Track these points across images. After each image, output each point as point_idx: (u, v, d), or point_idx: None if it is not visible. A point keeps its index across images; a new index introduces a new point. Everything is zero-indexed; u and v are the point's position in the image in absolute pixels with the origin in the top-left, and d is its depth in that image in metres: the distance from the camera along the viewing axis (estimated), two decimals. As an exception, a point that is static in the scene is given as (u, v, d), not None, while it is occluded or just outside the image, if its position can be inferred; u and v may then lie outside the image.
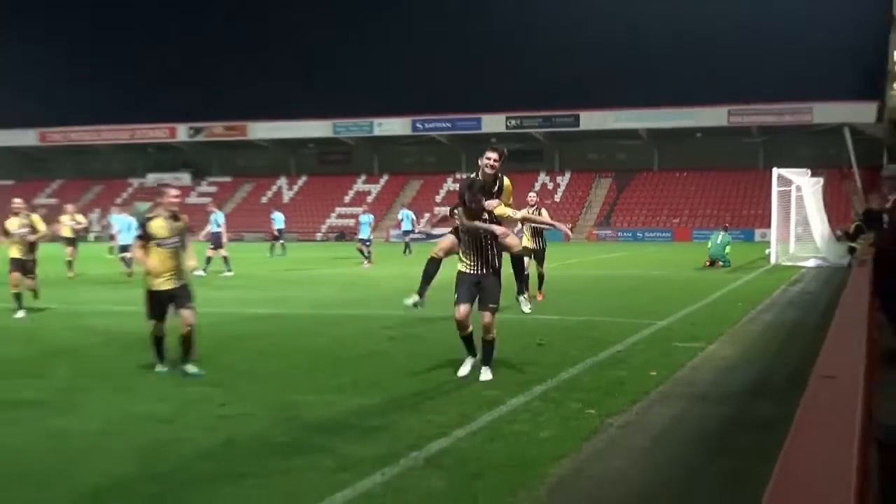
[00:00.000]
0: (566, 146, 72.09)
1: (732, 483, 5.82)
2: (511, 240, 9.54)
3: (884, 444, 2.49)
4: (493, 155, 9.72)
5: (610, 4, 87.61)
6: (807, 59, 77.61)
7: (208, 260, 25.68)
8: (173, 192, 9.96)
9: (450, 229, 9.80)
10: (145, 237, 9.59)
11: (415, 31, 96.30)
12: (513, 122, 70.34)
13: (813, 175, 35.31)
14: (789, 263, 29.69)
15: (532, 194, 18.32)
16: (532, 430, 7.08)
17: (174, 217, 9.76)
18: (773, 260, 30.52)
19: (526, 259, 15.98)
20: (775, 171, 32.11)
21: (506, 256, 9.67)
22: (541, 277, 17.41)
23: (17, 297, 15.02)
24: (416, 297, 9.82)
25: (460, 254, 9.30)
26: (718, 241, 29.14)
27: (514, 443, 6.69)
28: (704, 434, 7.17)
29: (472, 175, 9.87)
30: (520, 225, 16.83)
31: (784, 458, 1.64)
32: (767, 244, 34.36)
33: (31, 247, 15.40)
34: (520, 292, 10.70)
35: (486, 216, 9.09)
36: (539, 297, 16.81)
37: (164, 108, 76.60)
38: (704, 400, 8.36)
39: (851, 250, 16.35)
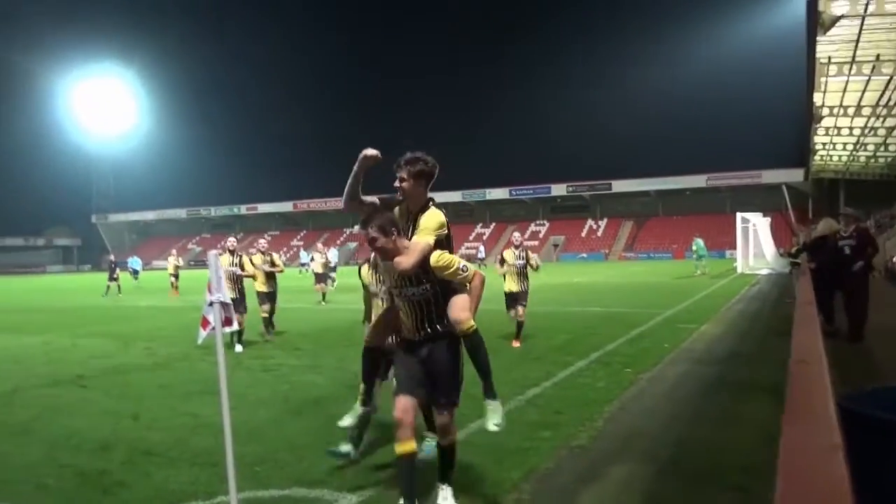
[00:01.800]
0: (604, 201, 70.13)
1: (723, 416, 5.43)
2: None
3: (840, 405, 2.23)
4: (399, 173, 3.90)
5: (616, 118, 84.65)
6: (760, 141, 73.48)
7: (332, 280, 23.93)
8: None
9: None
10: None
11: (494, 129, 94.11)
12: (571, 188, 69.12)
13: (764, 216, 33.61)
14: (749, 272, 28.20)
15: (516, 234, 10.23)
16: (591, 381, 6.79)
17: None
18: (739, 270, 29.15)
19: (515, 309, 9.52)
20: (738, 215, 31.06)
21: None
22: (520, 325, 9.44)
23: (265, 321, 11.11)
24: (360, 411, 4.37)
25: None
26: (702, 244, 28.84)
27: (580, 390, 6.41)
28: (702, 385, 6.73)
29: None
30: (503, 266, 9.67)
31: (786, 419, 1.46)
32: (734, 259, 32.83)
33: (272, 281, 11.46)
34: (487, 391, 3.74)
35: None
36: (515, 343, 9.22)
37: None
38: (701, 362, 7.87)
39: (794, 264, 15.19)
